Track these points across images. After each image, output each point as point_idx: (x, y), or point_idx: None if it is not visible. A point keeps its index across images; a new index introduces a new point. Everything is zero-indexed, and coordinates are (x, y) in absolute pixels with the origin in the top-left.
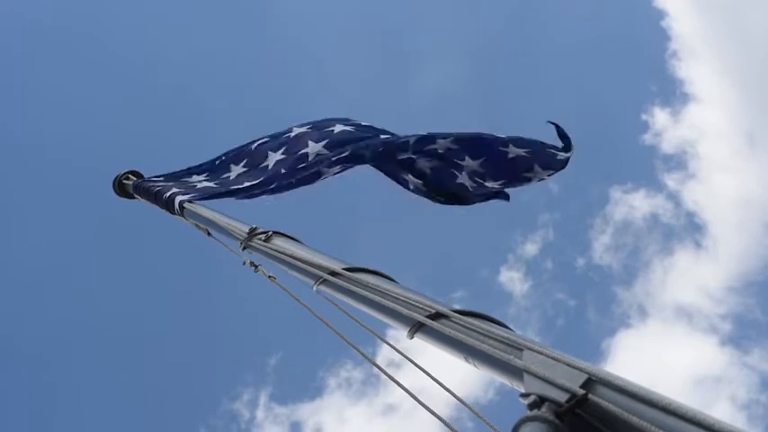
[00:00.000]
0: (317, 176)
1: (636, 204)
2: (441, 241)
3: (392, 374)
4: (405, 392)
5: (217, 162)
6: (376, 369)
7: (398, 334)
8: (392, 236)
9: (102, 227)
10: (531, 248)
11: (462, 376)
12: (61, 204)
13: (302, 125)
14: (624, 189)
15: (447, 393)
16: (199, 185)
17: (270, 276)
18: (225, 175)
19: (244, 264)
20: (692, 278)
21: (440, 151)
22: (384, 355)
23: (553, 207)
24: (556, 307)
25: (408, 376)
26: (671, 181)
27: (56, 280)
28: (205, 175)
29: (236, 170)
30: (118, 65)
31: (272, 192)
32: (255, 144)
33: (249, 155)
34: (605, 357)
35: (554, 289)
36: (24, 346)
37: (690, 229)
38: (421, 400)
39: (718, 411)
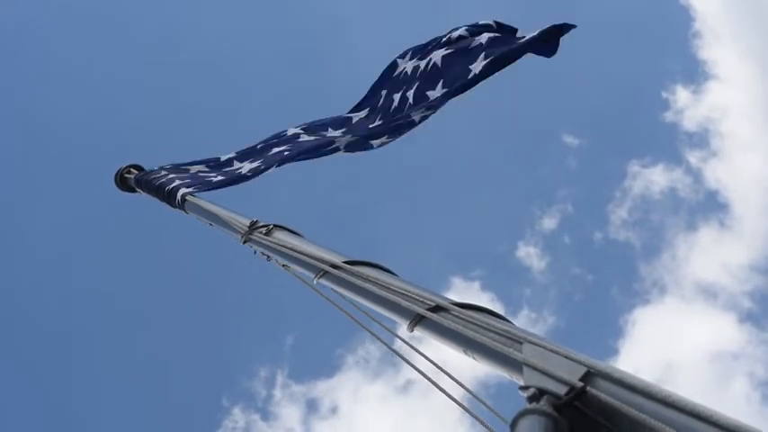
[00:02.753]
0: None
1: (656, 179)
2: (458, 217)
3: (409, 357)
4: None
5: (222, 159)
6: (396, 346)
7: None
8: (409, 215)
9: (118, 216)
10: (548, 223)
11: None
12: (81, 192)
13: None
14: (644, 164)
15: (468, 373)
16: (201, 175)
17: (284, 265)
18: (228, 168)
19: (255, 253)
20: (713, 255)
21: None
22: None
23: (571, 181)
24: (574, 282)
25: (427, 356)
26: (693, 158)
27: (70, 266)
28: (208, 167)
29: (242, 166)
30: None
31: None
32: (261, 144)
33: (256, 152)
34: (623, 333)
35: (572, 264)
36: (44, 327)
37: (712, 206)
38: (439, 380)
39: (736, 388)
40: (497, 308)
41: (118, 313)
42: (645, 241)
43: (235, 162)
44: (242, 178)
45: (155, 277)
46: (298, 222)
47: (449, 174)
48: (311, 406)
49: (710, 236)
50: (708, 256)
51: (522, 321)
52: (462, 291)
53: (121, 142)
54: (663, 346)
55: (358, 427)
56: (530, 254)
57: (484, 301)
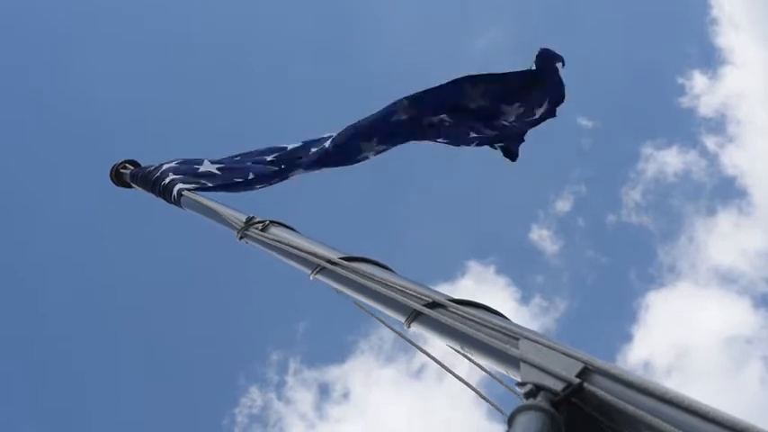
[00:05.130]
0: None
1: (670, 161)
2: (471, 200)
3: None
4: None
5: (225, 164)
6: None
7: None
8: (423, 198)
9: (131, 208)
10: (562, 205)
11: None
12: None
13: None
14: (658, 146)
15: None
16: (200, 173)
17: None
18: (231, 173)
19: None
20: (728, 241)
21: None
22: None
23: (585, 163)
24: (587, 265)
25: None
26: (710, 143)
27: (81, 256)
28: (216, 167)
29: (248, 172)
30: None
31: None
32: (272, 155)
33: (262, 161)
34: (636, 316)
35: (585, 247)
36: (56, 320)
37: (730, 192)
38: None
39: (749, 371)
40: (512, 292)
41: (137, 303)
42: (660, 225)
43: (239, 166)
44: (245, 185)
45: (169, 269)
46: (312, 208)
47: (461, 156)
48: (323, 391)
49: (727, 221)
50: (724, 241)
51: (536, 305)
52: (477, 274)
53: (126, 137)
54: (676, 331)
55: (371, 411)
56: (543, 236)
57: (499, 284)
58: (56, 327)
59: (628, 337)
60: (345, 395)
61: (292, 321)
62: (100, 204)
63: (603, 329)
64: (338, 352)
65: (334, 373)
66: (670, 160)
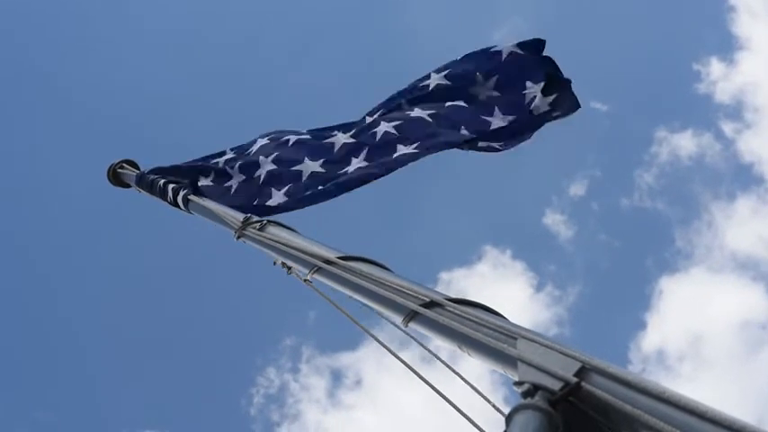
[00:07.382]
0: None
1: (685, 146)
2: (486, 185)
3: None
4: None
5: (221, 165)
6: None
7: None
8: (438, 184)
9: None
10: (575, 190)
11: None
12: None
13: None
14: (672, 130)
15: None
16: (206, 182)
17: (305, 280)
18: (227, 184)
19: (274, 264)
20: (745, 226)
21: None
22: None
23: (599, 148)
24: (601, 249)
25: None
26: (727, 129)
27: (92, 251)
28: (211, 178)
29: (237, 179)
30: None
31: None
32: (260, 156)
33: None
34: (650, 302)
35: (599, 231)
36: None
37: (746, 178)
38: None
39: (763, 356)
40: (528, 277)
41: (154, 294)
42: (674, 210)
43: (234, 177)
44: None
45: (185, 263)
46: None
47: None
48: (336, 377)
49: (745, 206)
50: (740, 227)
51: (549, 292)
52: (494, 259)
53: (125, 135)
54: (691, 316)
55: (383, 398)
56: (557, 221)
57: (516, 270)
58: (72, 312)
59: (641, 324)
60: (358, 382)
61: (303, 310)
62: (118, 195)
63: (617, 315)
64: (350, 340)
65: (346, 360)
66: (684, 144)
